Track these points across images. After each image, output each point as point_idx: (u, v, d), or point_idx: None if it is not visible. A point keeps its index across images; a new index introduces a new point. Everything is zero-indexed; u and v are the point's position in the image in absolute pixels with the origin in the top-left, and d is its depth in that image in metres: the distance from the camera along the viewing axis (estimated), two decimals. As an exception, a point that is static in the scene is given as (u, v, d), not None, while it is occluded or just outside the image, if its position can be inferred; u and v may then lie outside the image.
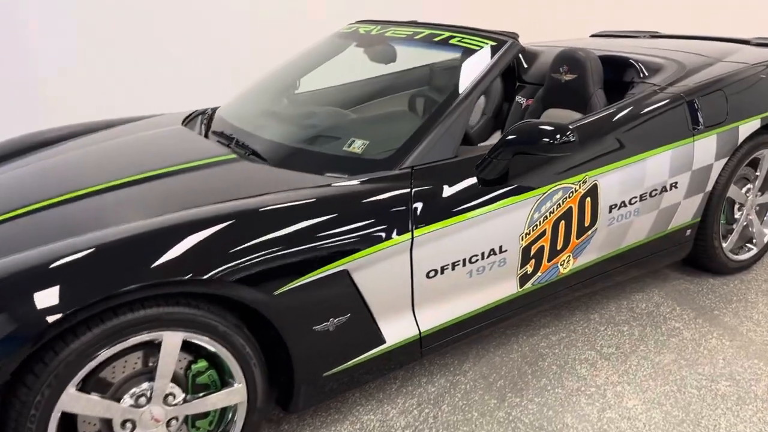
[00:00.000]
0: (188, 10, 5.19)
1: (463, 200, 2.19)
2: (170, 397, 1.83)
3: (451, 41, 2.55)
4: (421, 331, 2.23)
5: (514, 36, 2.48)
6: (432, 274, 2.17)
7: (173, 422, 1.86)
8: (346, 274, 1.98)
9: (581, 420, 2.28)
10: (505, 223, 2.28)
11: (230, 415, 1.97)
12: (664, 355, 2.64)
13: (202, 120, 2.89)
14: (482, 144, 2.55)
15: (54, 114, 4.65)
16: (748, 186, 3.17)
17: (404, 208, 2.09)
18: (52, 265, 1.66)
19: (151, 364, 1.81)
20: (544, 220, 2.37)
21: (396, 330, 2.18)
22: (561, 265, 2.51)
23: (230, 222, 1.85)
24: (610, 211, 2.56)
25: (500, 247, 2.29)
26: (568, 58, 2.93)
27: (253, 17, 5.39)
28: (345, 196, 2.07)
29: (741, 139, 2.93)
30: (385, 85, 3.30)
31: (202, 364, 1.88)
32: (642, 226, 2.73)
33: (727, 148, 2.90)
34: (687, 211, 2.88)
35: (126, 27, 5.00)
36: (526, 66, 3.44)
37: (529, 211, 2.32)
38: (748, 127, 2.94)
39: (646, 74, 2.96)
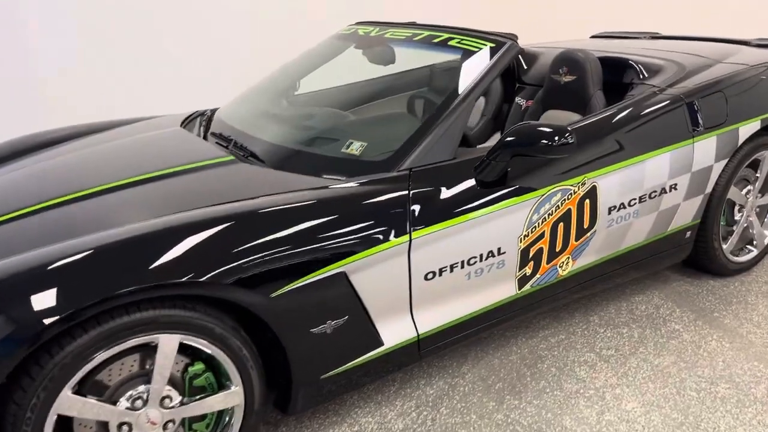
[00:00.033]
0: (188, 10, 5.19)
1: (462, 202, 2.18)
2: (167, 400, 1.82)
3: (450, 42, 2.55)
4: (420, 333, 2.22)
5: (513, 37, 2.47)
6: (430, 276, 2.17)
7: (170, 425, 1.85)
8: (343, 276, 1.98)
9: (580, 423, 2.27)
10: (504, 224, 2.27)
11: (227, 418, 1.97)
12: (664, 357, 2.63)
13: (201, 121, 2.89)
14: (481, 146, 2.53)
15: (54, 114, 4.65)
16: (749, 187, 3.16)
17: (402, 210, 2.08)
18: (50, 267, 1.65)
19: (147, 366, 1.80)
20: (542, 222, 2.36)
21: (394, 332, 2.17)
22: (560, 267, 2.50)
23: (226, 224, 1.85)
24: (610, 213, 2.55)
25: (499, 249, 2.29)
26: (568, 60, 2.92)
27: (253, 17, 5.38)
28: (342, 198, 2.06)
29: (741, 140, 2.92)
30: (384, 86, 3.29)
31: (198, 366, 1.88)
32: (641, 228, 2.73)
33: (727, 150, 2.89)
34: (687, 212, 2.87)
35: (126, 27, 4.99)
36: (525, 67, 3.43)
37: (528, 213, 2.31)
38: (748, 128, 2.93)
39: (646, 75, 2.95)
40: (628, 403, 2.36)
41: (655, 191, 2.67)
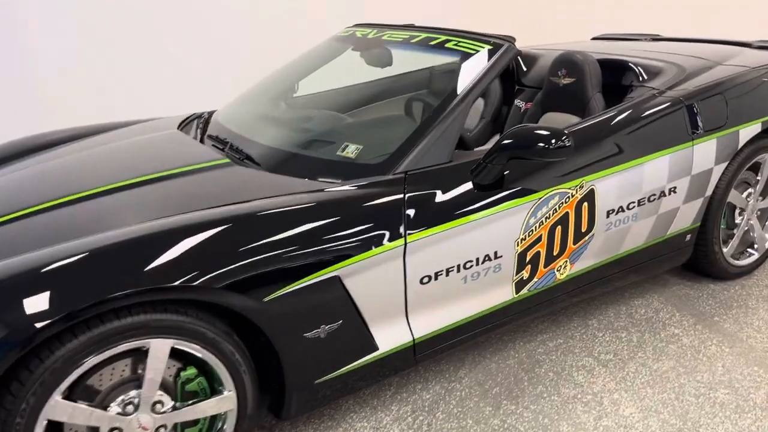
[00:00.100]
0: (188, 10, 5.18)
1: (458, 205, 2.16)
2: (158, 405, 1.81)
3: (447, 45, 2.53)
4: (415, 337, 2.21)
5: (510, 39, 2.45)
6: (426, 280, 2.15)
7: (161, 430, 1.84)
8: (337, 280, 1.96)
9: (577, 428, 2.25)
10: (501, 228, 2.25)
11: (220, 423, 1.95)
12: (663, 362, 2.61)
13: (198, 124, 2.88)
14: (478, 148, 2.52)
15: (54, 114, 4.66)
16: (749, 190, 3.14)
17: (397, 213, 2.06)
18: (42, 271, 1.64)
19: (139, 371, 1.79)
20: (540, 226, 2.34)
21: (389, 336, 2.16)
22: (558, 270, 2.48)
23: (219, 228, 1.83)
24: (608, 217, 2.53)
25: (495, 253, 2.27)
26: (567, 62, 2.90)
27: (253, 17, 5.37)
28: (337, 201, 2.05)
29: (741, 143, 2.90)
30: (381, 89, 3.28)
31: (191, 371, 1.86)
32: (640, 232, 2.70)
33: (727, 153, 2.87)
34: (686, 216, 2.85)
35: (126, 27, 4.99)
36: (525, 69, 3.41)
37: (525, 217, 2.29)
38: (748, 131, 2.91)
39: (645, 78, 2.93)
40: (626, 409, 2.34)
41: (654, 194, 2.65)
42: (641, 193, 2.61)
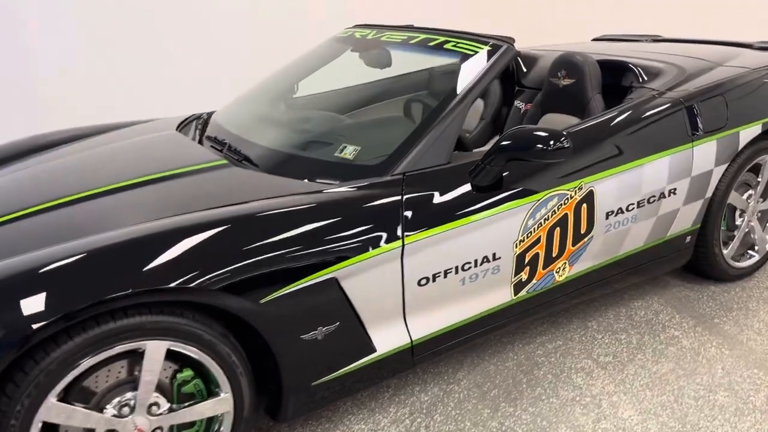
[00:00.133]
0: (188, 10, 5.18)
1: (456, 207, 2.16)
2: (154, 407, 1.80)
3: (446, 46, 2.52)
4: (413, 339, 2.20)
5: (509, 40, 2.44)
6: (423, 281, 2.14)
7: (157, 432, 1.83)
8: (334, 282, 1.95)
9: (575, 431, 2.24)
10: (499, 230, 2.24)
11: (217, 426, 1.94)
12: (662, 364, 2.60)
13: (197, 125, 2.87)
14: (477, 150, 2.51)
15: (54, 114, 4.66)
16: (750, 192, 3.13)
17: (395, 214, 2.05)
18: (39, 272, 1.64)
19: (136, 373, 1.78)
20: (538, 227, 2.34)
21: (387, 338, 2.15)
22: (557, 272, 2.47)
23: (215, 229, 1.82)
24: (607, 218, 2.52)
25: (494, 255, 2.26)
26: (566, 63, 2.89)
27: (253, 17, 5.36)
28: (335, 202, 2.04)
29: (742, 144, 2.88)
30: (380, 90, 3.27)
31: (187, 373, 1.86)
32: (640, 233, 2.69)
33: (728, 154, 2.85)
34: (686, 217, 2.84)
35: (126, 27, 4.99)
36: (525, 70, 3.40)
37: (524, 218, 2.28)
38: (748, 132, 2.89)
39: (645, 79, 2.92)
40: (625, 411, 2.33)
41: (653, 196, 2.64)
42: (641, 195, 2.59)
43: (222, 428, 1.94)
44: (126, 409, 1.76)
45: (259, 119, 2.79)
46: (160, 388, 1.81)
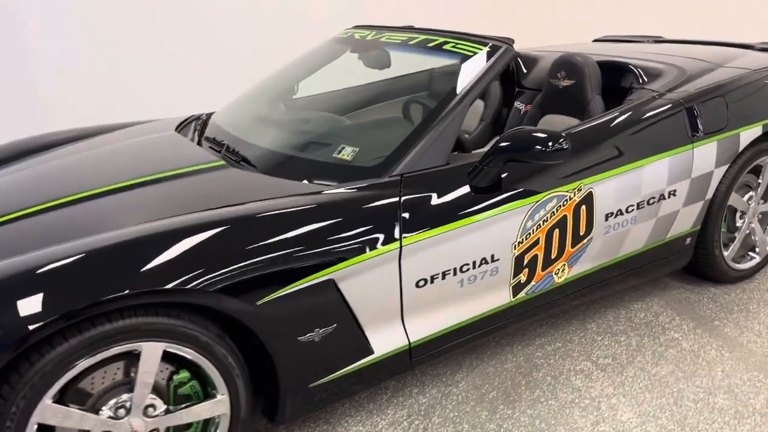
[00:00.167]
0: (188, 10, 5.17)
1: (454, 208, 2.15)
2: (150, 409, 1.79)
3: (445, 47, 2.52)
4: (411, 341, 2.19)
5: (508, 41, 2.44)
6: (421, 283, 2.13)
7: (153, 434, 1.83)
8: (332, 284, 1.95)
9: (574, 433, 2.24)
10: (497, 231, 2.23)
11: (213, 428, 1.94)
12: (662, 366, 2.59)
13: (196, 126, 2.87)
14: (476, 151, 2.50)
15: (54, 114, 4.66)
16: (750, 194, 3.11)
17: (393, 216, 2.05)
18: (37, 272, 1.63)
19: (132, 374, 1.77)
20: (537, 229, 2.33)
21: (384, 340, 2.14)
22: (556, 274, 2.46)
23: (212, 230, 1.82)
24: (607, 220, 2.51)
25: (492, 256, 2.25)
26: (566, 64, 2.88)
27: (253, 17, 5.36)
28: (332, 204, 2.03)
29: (742, 146, 2.87)
30: (380, 91, 3.26)
31: (184, 374, 1.85)
32: (640, 235, 2.68)
33: (728, 155, 2.84)
34: (686, 219, 2.83)
35: (126, 27, 4.99)
36: (525, 71, 3.39)
37: (522, 220, 2.27)
38: (749, 133, 2.88)
39: (645, 80, 2.91)
40: (624, 414, 2.32)
41: (653, 197, 2.63)
42: (640, 197, 2.58)
43: (218, 430, 1.94)
44: (122, 411, 1.76)
45: (257, 120, 2.78)
46: (156, 390, 1.80)
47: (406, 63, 3.18)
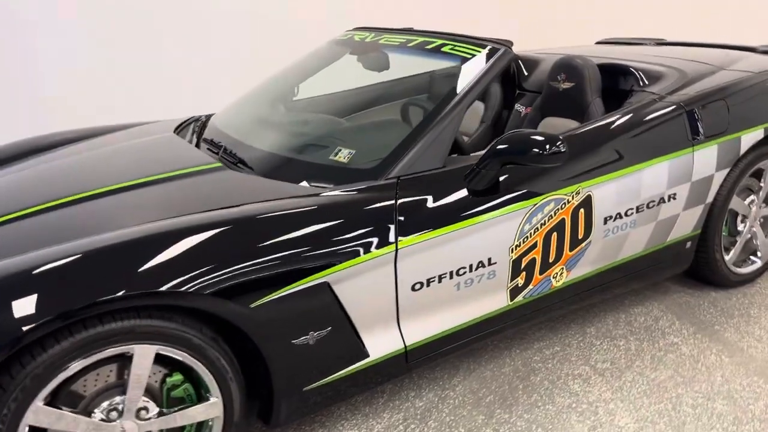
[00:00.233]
0: (188, 10, 5.17)
1: (451, 211, 2.13)
2: (143, 411, 1.78)
3: (444, 49, 2.50)
4: (407, 344, 2.17)
5: (507, 44, 2.42)
6: (417, 286, 2.12)
7: (146, 437, 1.81)
8: (326, 287, 1.93)
9: (571, 438, 2.22)
10: (494, 234, 2.22)
11: (207, 431, 1.92)
12: (661, 371, 2.57)
13: (195, 128, 2.86)
14: (473, 154, 2.48)
15: (54, 114, 4.66)
16: (752, 197, 3.09)
17: (388, 218, 2.03)
18: (32, 273, 1.63)
19: (125, 376, 1.76)
20: (535, 232, 2.31)
21: (380, 343, 2.12)
22: (553, 278, 2.44)
23: (207, 233, 1.80)
24: (605, 223, 2.50)
25: (489, 260, 2.23)
26: (566, 66, 2.87)
27: (253, 17, 5.35)
28: (327, 206, 2.02)
29: (743, 149, 2.85)
30: (378, 93, 3.25)
31: (177, 377, 1.84)
32: (639, 239, 2.66)
33: (729, 159, 2.82)
34: (686, 222, 2.81)
35: (126, 27, 4.98)
36: (526, 74, 3.37)
37: (520, 223, 2.26)
38: (750, 137, 2.86)
39: (646, 83, 2.89)
40: (622, 419, 2.30)
41: (653, 201, 2.61)
42: (639, 200, 2.57)
43: (212, 433, 1.93)
44: (114, 414, 1.74)
45: (254, 122, 2.77)
46: (149, 393, 1.79)
47: (404, 65, 3.17)
